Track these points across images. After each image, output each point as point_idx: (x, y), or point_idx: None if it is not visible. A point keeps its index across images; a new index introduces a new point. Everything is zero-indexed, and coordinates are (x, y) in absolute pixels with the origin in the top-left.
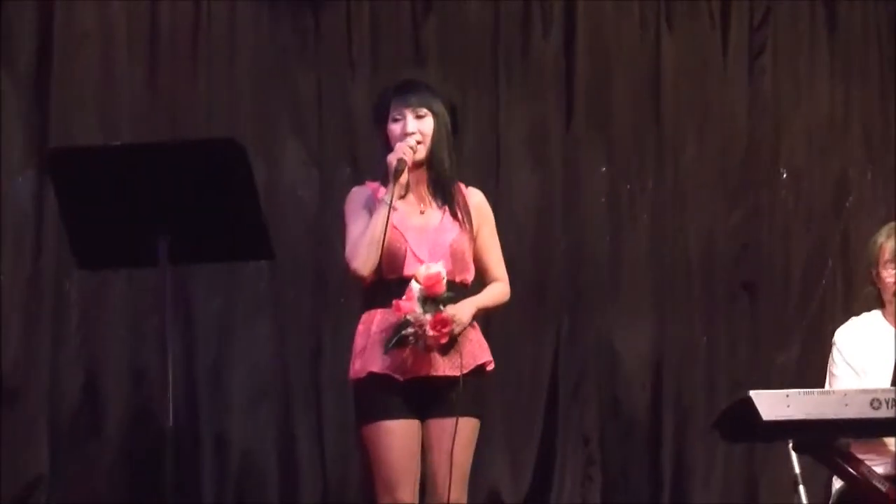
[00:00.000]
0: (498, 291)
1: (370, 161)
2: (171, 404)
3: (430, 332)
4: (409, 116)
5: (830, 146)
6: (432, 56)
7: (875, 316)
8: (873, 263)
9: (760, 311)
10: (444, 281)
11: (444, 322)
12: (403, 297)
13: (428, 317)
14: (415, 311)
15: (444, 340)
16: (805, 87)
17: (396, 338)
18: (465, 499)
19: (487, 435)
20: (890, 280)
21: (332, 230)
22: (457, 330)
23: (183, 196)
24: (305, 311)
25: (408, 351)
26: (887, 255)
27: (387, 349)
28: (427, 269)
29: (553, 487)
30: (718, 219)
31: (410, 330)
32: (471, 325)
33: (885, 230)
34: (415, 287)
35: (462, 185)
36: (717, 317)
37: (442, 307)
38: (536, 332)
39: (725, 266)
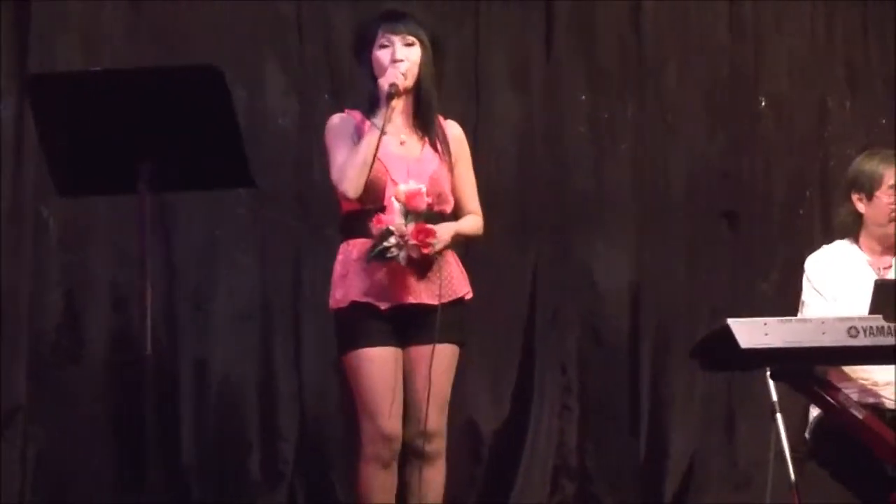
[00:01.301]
0: (473, 223)
1: (350, 89)
2: (149, 332)
3: (412, 242)
4: (398, 43)
5: (811, 74)
6: None
7: (847, 244)
8: (864, 188)
9: (740, 240)
10: (425, 196)
11: (427, 232)
12: (384, 212)
13: (410, 227)
14: (395, 222)
15: (426, 251)
16: (786, 13)
17: (378, 248)
18: (444, 425)
19: (466, 363)
20: (892, 206)
21: (313, 158)
22: (438, 246)
23: (163, 122)
24: (286, 239)
25: (388, 274)
26: (893, 180)
27: (368, 259)
28: (407, 185)
29: (531, 416)
30: (699, 147)
31: (392, 241)
32: (451, 253)
33: (877, 156)
34: (395, 204)
35: (441, 118)
36: (698, 245)
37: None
38: (516, 260)
39: (706, 194)
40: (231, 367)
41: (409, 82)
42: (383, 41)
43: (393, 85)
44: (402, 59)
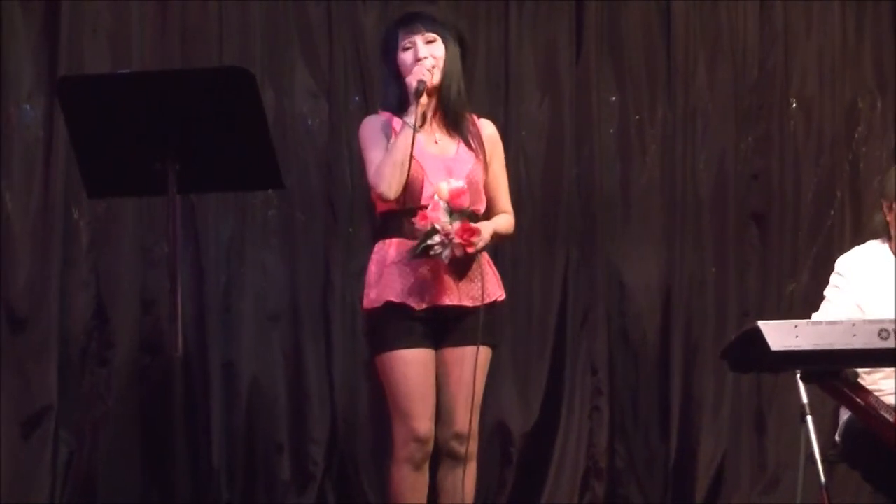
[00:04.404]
0: (507, 222)
1: (379, 91)
2: (179, 334)
3: (457, 240)
4: (420, 42)
5: (841, 75)
6: None
7: (878, 245)
8: (888, 196)
9: (770, 241)
10: (468, 195)
11: (472, 231)
12: (429, 209)
13: (456, 224)
14: (441, 221)
15: (470, 250)
16: (816, 14)
17: (422, 246)
18: (477, 427)
19: (496, 365)
20: None
21: (341, 159)
22: (479, 244)
23: (192, 124)
24: (314, 239)
25: (424, 275)
26: None
27: (411, 257)
28: (449, 183)
29: (561, 418)
30: (728, 149)
31: (437, 239)
32: (484, 255)
33: None
34: (440, 202)
35: (475, 117)
36: (727, 247)
37: (466, 220)
38: (546, 262)
39: (735, 196)
40: (260, 369)
41: (437, 79)
42: (405, 44)
43: (420, 81)
44: (425, 56)
